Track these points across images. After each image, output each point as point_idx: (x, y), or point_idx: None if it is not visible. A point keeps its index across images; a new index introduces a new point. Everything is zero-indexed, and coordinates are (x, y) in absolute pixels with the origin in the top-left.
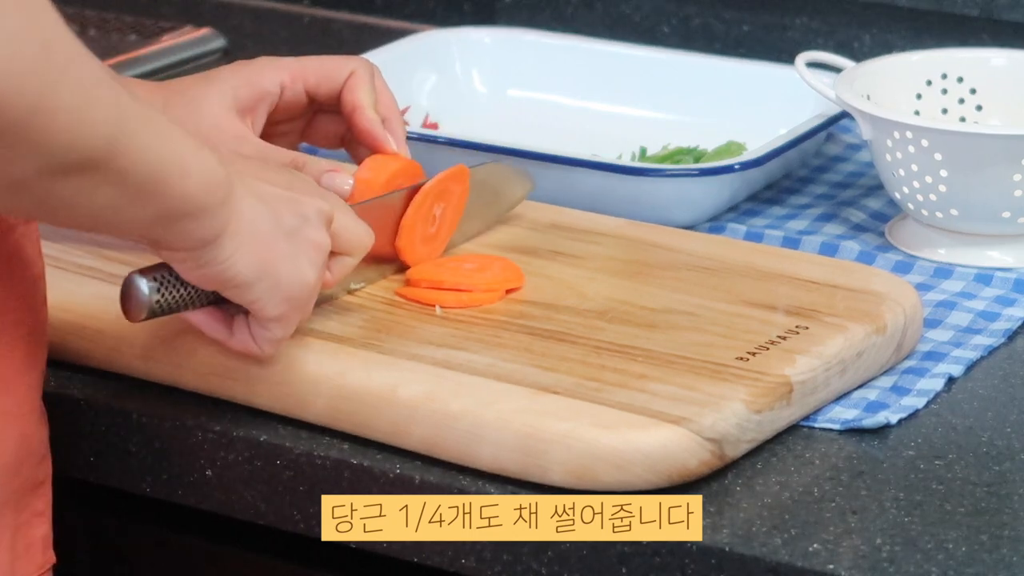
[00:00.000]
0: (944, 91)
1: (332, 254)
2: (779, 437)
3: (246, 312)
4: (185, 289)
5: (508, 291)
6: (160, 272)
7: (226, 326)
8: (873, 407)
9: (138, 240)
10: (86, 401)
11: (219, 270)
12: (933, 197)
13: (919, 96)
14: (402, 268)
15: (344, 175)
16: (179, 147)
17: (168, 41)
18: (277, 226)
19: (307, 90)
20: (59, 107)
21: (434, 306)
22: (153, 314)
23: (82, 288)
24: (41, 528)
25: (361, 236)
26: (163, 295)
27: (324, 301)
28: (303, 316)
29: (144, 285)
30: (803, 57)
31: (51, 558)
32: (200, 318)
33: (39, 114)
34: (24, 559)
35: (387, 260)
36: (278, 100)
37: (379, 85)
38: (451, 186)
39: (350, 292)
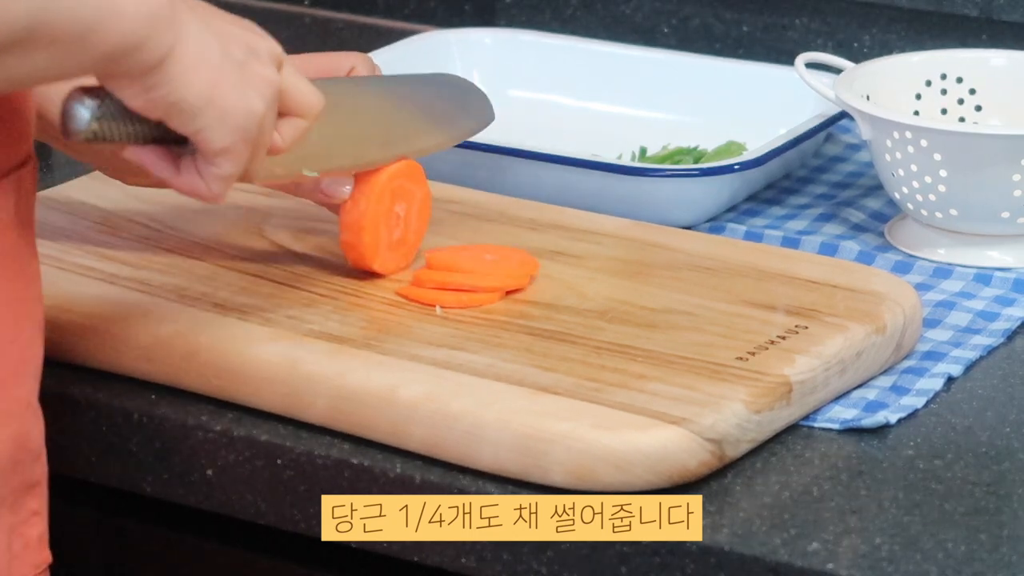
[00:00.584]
0: (944, 91)
1: (282, 115)
2: (779, 437)
3: (193, 152)
4: (128, 117)
5: (508, 292)
6: (103, 95)
7: (173, 164)
8: (872, 407)
9: (79, 78)
10: (86, 401)
11: (164, 93)
12: (932, 197)
13: (919, 96)
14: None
15: (343, 180)
16: None
17: None
18: (225, 56)
19: None
20: None
21: (434, 306)
22: (95, 137)
23: (82, 288)
24: (37, 527)
25: (310, 96)
26: (104, 118)
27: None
28: (252, 154)
29: (84, 106)
30: (803, 57)
31: (47, 557)
32: (147, 155)
33: None
34: (21, 559)
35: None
36: None
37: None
38: (408, 185)
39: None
